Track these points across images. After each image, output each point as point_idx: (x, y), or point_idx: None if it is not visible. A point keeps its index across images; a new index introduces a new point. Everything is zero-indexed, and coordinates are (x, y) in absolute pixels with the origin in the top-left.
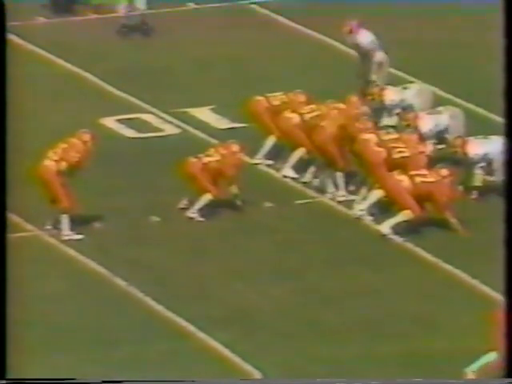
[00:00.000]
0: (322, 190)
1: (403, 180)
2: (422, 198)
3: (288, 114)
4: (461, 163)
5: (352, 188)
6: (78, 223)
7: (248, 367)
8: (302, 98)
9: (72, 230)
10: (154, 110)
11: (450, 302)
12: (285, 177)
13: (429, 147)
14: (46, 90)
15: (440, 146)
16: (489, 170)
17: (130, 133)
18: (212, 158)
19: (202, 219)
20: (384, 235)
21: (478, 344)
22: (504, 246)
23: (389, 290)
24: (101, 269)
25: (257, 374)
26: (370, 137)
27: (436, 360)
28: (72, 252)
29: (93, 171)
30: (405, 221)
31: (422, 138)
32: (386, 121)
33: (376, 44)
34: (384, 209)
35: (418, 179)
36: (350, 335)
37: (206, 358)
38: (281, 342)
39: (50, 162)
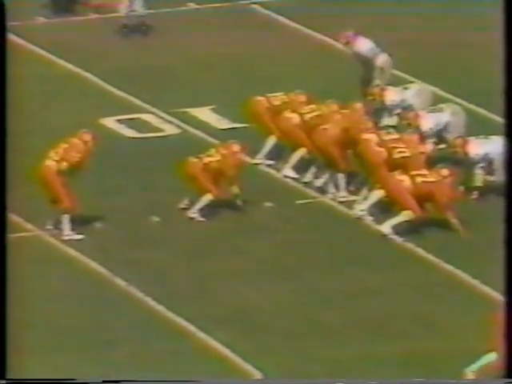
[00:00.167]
0: (323, 191)
1: (404, 180)
2: (423, 198)
3: (288, 114)
4: (461, 163)
5: (353, 188)
6: (78, 223)
7: (248, 367)
8: (302, 98)
9: (72, 230)
10: (154, 110)
11: (450, 302)
12: (285, 177)
13: (429, 147)
14: (46, 89)
15: (441, 146)
16: (489, 169)
17: (130, 133)
18: (213, 158)
19: (202, 219)
20: (385, 235)
21: (478, 344)
22: (504, 246)
23: (389, 290)
24: (101, 269)
25: (257, 374)
26: (371, 137)
27: (436, 360)
28: (72, 252)
29: (93, 171)
30: (405, 221)
31: (423, 138)
32: (387, 121)
33: (376, 50)
34: (384, 209)
35: (419, 179)
36: (350, 335)
37: (206, 358)
38: (281, 342)
39: (51, 162)
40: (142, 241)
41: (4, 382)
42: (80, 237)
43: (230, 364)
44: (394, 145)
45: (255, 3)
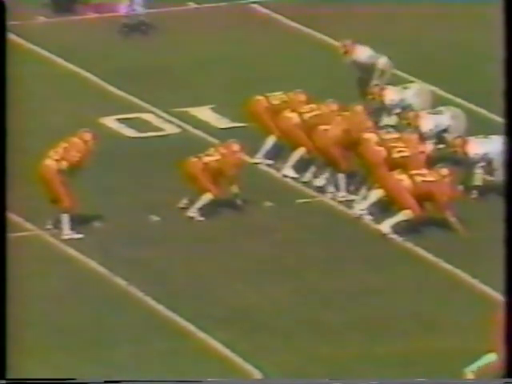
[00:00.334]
0: (323, 190)
1: (403, 179)
2: (422, 197)
3: (288, 114)
4: (461, 163)
5: (352, 188)
6: (78, 222)
7: (248, 367)
8: (302, 97)
9: (72, 229)
10: (154, 109)
11: (449, 302)
12: (285, 176)
13: (429, 147)
14: (47, 89)
15: (440, 146)
16: (489, 169)
17: (130, 132)
18: (212, 157)
19: (202, 218)
20: (384, 234)
21: (477, 344)
22: (504, 246)
23: (389, 290)
24: (101, 268)
25: (257, 374)
26: (370, 136)
27: (436, 360)
28: (72, 251)
29: (93, 170)
30: (405, 220)
31: (423, 138)
32: (386, 120)
33: (375, 56)
34: (384, 208)
35: (418, 178)
36: (350, 335)
37: (206, 358)
38: (281, 342)
39: (51, 162)
40: (141, 240)
41: (4, 382)
42: (80, 236)
43: (230, 364)
44: (393, 144)
45: (255, 2)
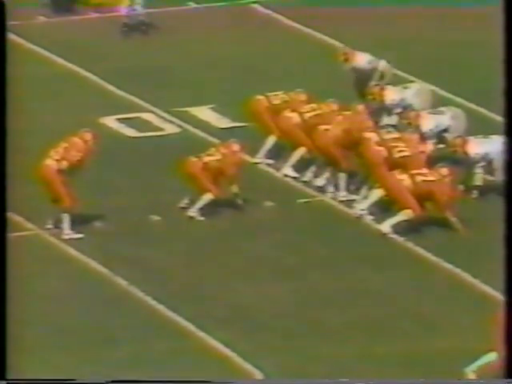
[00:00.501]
0: (323, 190)
1: (404, 179)
2: (423, 197)
3: (288, 114)
4: (461, 163)
5: (353, 188)
6: (78, 222)
7: (248, 367)
8: (302, 97)
9: (72, 229)
10: (154, 109)
11: (450, 302)
12: (285, 176)
13: (429, 147)
14: (47, 89)
15: (440, 146)
16: (489, 169)
17: (130, 132)
18: (212, 157)
19: (202, 218)
20: (384, 234)
21: (478, 344)
22: (504, 245)
23: (389, 290)
24: (101, 268)
25: (257, 374)
26: (371, 136)
27: (436, 360)
28: (72, 251)
29: (93, 170)
30: (405, 220)
31: (423, 138)
32: (387, 120)
33: (374, 61)
34: (385, 208)
35: (419, 178)
36: (350, 335)
37: (206, 358)
38: (281, 342)
39: (52, 161)
40: (142, 240)
41: (4, 382)
42: (80, 236)
43: (230, 364)
44: (394, 144)
45: (255, 3)
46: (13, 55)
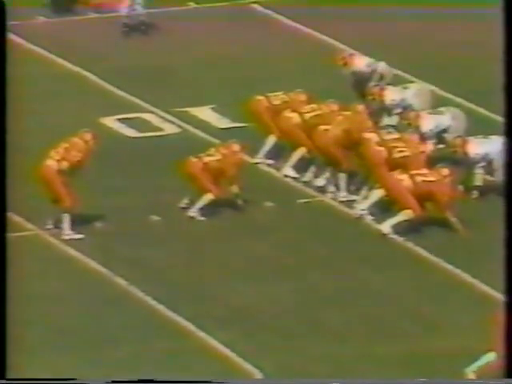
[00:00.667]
0: (324, 190)
1: (404, 179)
2: (423, 197)
3: (288, 114)
4: (461, 163)
5: (353, 188)
6: (78, 223)
7: (248, 366)
8: (302, 97)
9: (73, 229)
10: (154, 109)
11: (450, 302)
12: (286, 176)
13: (429, 147)
14: (47, 89)
15: (440, 146)
16: (489, 169)
17: (130, 132)
18: (213, 157)
19: (202, 218)
20: (385, 235)
21: (477, 344)
22: (504, 246)
23: (389, 290)
24: (101, 268)
25: (257, 374)
26: (371, 136)
27: (436, 360)
28: (72, 251)
29: (93, 170)
30: (405, 220)
31: (423, 138)
32: (387, 120)
33: (373, 64)
34: (385, 208)
35: (419, 178)
36: (351, 335)
37: (206, 358)
38: (281, 342)
39: (52, 162)
40: (142, 240)
41: (4, 382)
42: (80, 236)
43: (230, 364)
44: (394, 144)
45: (255, 3)
46: (13, 55)
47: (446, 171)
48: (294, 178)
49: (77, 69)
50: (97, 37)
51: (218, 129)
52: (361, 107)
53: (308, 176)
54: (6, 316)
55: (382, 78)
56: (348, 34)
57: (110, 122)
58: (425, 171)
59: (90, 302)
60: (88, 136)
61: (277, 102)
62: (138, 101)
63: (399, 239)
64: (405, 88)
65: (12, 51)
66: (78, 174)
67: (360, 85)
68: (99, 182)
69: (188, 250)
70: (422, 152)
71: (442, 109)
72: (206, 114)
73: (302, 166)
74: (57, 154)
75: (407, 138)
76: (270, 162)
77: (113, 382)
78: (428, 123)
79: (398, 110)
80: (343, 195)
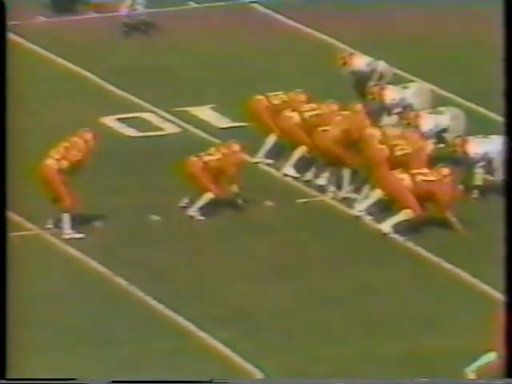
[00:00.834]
0: (324, 189)
1: (404, 178)
2: (423, 196)
3: (288, 113)
4: (461, 162)
5: (353, 186)
6: (78, 222)
7: (248, 366)
8: (302, 97)
9: (73, 229)
10: (154, 108)
11: (450, 302)
12: (285, 175)
13: (430, 145)
14: (47, 88)
15: (440, 146)
16: (489, 169)
17: (130, 132)
18: (213, 156)
19: (202, 218)
20: (385, 234)
21: (478, 344)
22: (504, 245)
23: (389, 290)
24: (101, 268)
25: (257, 374)
26: (373, 133)
27: (436, 360)
28: (73, 251)
29: (93, 170)
30: (405, 220)
31: (423, 137)
32: (387, 120)
33: (373, 63)
34: (385, 208)
35: (419, 178)
36: (351, 335)
37: (206, 358)
38: (281, 342)
39: (52, 161)
40: (141, 240)
41: (4, 381)
42: (80, 236)
43: (230, 363)
44: (395, 142)
45: (255, 2)
46: (13, 55)
47: (446, 171)
48: (294, 177)
49: (77, 68)
50: (97, 37)
51: (217, 128)
52: (359, 106)
53: (308, 176)
54: (6, 316)
55: (381, 77)
56: (348, 34)
57: (110, 121)
58: (425, 170)
59: (90, 301)
60: (88, 135)
61: (276, 102)
62: (137, 100)
63: (399, 239)
64: (404, 87)
65: (12, 51)
66: (78, 174)
67: (360, 84)
68: (99, 181)
69: (188, 250)
70: (423, 149)
71: (441, 108)
72: (205, 113)
73: (302, 166)
74: (57, 153)
75: (408, 135)
76: (270, 161)
77: (113, 381)
78: (427, 123)
79: (398, 110)
80: (346, 191)
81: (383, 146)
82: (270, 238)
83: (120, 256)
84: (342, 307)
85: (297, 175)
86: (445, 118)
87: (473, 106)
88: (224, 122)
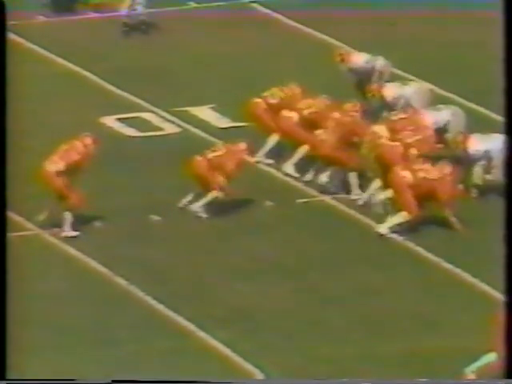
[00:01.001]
0: (326, 189)
1: (406, 176)
2: (424, 194)
3: (287, 114)
4: (461, 161)
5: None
6: (78, 222)
7: (248, 366)
8: (296, 90)
9: (73, 228)
10: (154, 108)
11: (450, 302)
12: (286, 174)
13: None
14: (46, 88)
15: (439, 145)
16: (489, 168)
17: (130, 132)
18: (215, 153)
19: (205, 216)
20: (381, 236)
21: (478, 344)
22: (504, 245)
23: (389, 290)
24: (101, 268)
25: (257, 374)
26: (379, 130)
27: (436, 360)
28: (73, 251)
29: (93, 170)
30: (401, 222)
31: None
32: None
33: (372, 60)
34: (385, 207)
35: (421, 175)
36: (351, 335)
37: (206, 358)
38: (281, 342)
39: (49, 164)
40: (141, 239)
41: (4, 382)
42: (75, 233)
43: (230, 363)
44: (405, 136)
45: (255, 2)
46: (13, 55)
47: (448, 169)
48: (294, 177)
49: (77, 68)
50: (97, 37)
51: (217, 128)
52: (352, 106)
53: (308, 176)
54: (6, 316)
55: (381, 75)
56: (348, 34)
57: (110, 121)
58: (427, 167)
59: (90, 301)
60: (88, 140)
61: (273, 101)
62: (137, 100)
63: (399, 239)
64: (404, 85)
65: (12, 51)
66: (77, 175)
67: (358, 82)
68: (99, 181)
69: (188, 250)
70: (430, 132)
71: (440, 106)
72: (205, 113)
73: (303, 166)
74: (55, 156)
75: (415, 119)
76: (270, 161)
77: (113, 381)
78: (427, 120)
79: (397, 107)
80: (356, 193)
81: (396, 143)
82: (270, 238)
83: (120, 256)
84: (342, 307)
85: (297, 175)
86: (444, 115)
87: (473, 105)
88: (224, 122)
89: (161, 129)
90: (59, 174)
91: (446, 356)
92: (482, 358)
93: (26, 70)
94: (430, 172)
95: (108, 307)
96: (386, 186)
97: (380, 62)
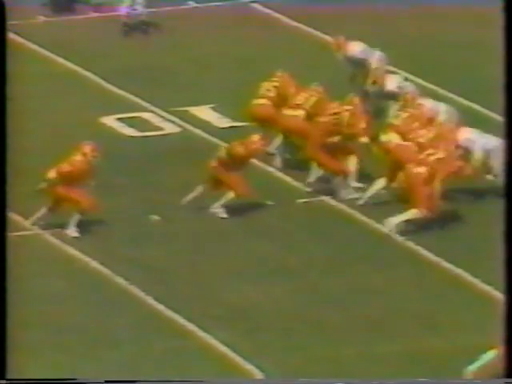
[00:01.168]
0: (327, 189)
1: (422, 172)
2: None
3: (290, 112)
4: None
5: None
6: (78, 222)
7: (249, 366)
8: (286, 77)
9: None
10: (154, 108)
11: (450, 301)
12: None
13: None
14: (47, 88)
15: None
16: (489, 167)
17: (130, 131)
18: (224, 150)
19: (226, 216)
20: (386, 233)
21: (478, 343)
22: (504, 245)
23: (389, 289)
24: (101, 268)
25: (257, 374)
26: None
27: (436, 359)
28: (72, 251)
29: (93, 170)
30: (410, 220)
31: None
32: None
33: (368, 50)
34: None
35: (431, 158)
36: (351, 335)
37: (206, 358)
38: (281, 342)
39: (49, 173)
40: (141, 240)
41: (4, 382)
42: (76, 234)
43: (230, 363)
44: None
45: (255, 2)
46: (13, 54)
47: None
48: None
49: (77, 68)
50: (97, 36)
51: (218, 128)
52: (355, 99)
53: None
54: (6, 316)
55: (377, 68)
56: (348, 33)
57: (110, 121)
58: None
59: (90, 301)
60: (87, 148)
61: (272, 94)
62: (137, 100)
63: (399, 238)
64: (405, 79)
65: (12, 50)
66: (75, 181)
67: (354, 70)
68: (99, 181)
69: (188, 250)
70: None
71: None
72: (205, 113)
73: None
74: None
75: (418, 114)
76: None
77: (113, 381)
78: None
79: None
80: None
81: (408, 143)
82: (270, 238)
83: (120, 256)
84: (342, 307)
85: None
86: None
87: (473, 105)
88: (224, 122)
89: (161, 129)
90: (55, 182)
91: (446, 356)
92: (481, 357)
93: (26, 70)
94: (436, 153)
95: (108, 307)
96: (393, 184)
97: (376, 55)
